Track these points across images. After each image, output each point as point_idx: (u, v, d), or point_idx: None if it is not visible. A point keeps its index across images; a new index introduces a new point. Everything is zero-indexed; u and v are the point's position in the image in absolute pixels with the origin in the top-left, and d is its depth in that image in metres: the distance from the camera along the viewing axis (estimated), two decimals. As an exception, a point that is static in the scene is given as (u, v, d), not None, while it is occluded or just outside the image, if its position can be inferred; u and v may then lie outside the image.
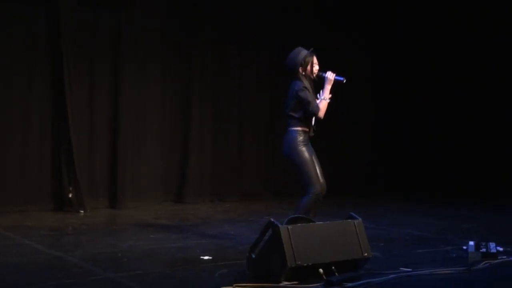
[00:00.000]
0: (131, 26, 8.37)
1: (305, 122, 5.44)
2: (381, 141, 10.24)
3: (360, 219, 4.68)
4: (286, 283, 4.26)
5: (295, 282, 4.26)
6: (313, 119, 5.47)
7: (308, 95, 5.37)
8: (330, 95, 5.43)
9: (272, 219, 4.43)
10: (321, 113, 5.39)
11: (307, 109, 5.36)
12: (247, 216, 7.66)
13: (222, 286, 4.18)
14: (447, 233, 6.38)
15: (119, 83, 8.32)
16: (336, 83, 5.43)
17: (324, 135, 9.58)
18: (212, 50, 9.03)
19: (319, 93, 5.48)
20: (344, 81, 5.41)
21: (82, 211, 7.84)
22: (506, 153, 9.32)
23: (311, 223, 4.61)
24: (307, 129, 5.46)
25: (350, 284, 4.23)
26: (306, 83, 5.41)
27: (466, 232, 6.43)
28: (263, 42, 9.32)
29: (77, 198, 7.91)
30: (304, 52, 5.44)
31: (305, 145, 5.42)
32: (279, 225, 4.33)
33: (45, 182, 7.98)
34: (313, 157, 5.49)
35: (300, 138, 5.41)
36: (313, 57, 5.46)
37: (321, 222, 4.69)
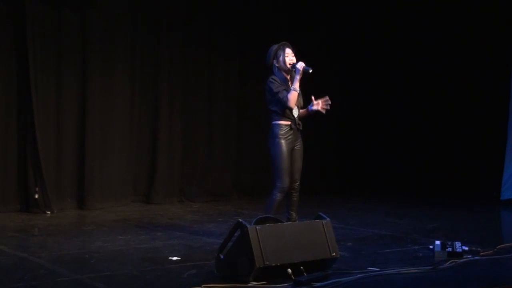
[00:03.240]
0: (98, 26, 8.30)
1: (285, 115, 5.62)
2: (349, 141, 10.32)
3: (328, 219, 4.70)
4: (255, 283, 4.26)
5: (263, 282, 4.27)
6: (295, 112, 5.63)
7: (275, 85, 5.58)
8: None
9: (240, 220, 4.43)
10: (290, 103, 5.54)
11: (277, 98, 5.55)
12: (216, 217, 7.65)
13: (191, 287, 4.17)
14: (414, 233, 6.45)
15: (87, 84, 8.24)
16: (305, 74, 5.59)
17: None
18: (181, 51, 9.00)
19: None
20: (311, 71, 5.56)
21: (48, 212, 7.75)
22: (472, 153, 9.46)
23: (279, 223, 4.62)
24: (288, 122, 5.60)
25: (318, 284, 4.25)
26: (279, 75, 5.63)
27: (432, 231, 6.51)
28: (232, 44, 9.32)
29: (44, 199, 7.81)
30: (276, 46, 5.70)
31: (284, 138, 5.58)
32: (248, 226, 4.33)
33: (10, 183, 7.86)
34: (294, 153, 5.63)
35: (280, 131, 5.59)
36: (285, 49, 5.67)
37: (289, 222, 4.71)
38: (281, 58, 5.65)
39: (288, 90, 5.58)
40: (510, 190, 8.96)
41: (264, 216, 4.71)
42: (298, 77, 5.56)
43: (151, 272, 4.74)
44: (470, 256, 5.15)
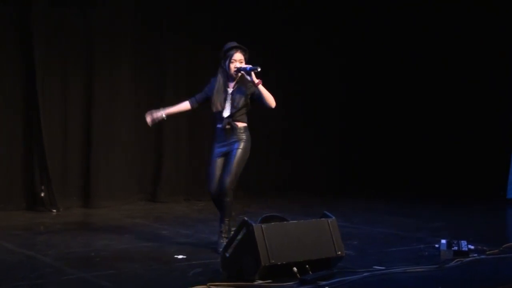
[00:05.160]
0: (103, 25, 8.31)
1: (218, 117, 5.41)
2: (353, 140, 10.29)
3: (334, 217, 4.70)
4: (260, 281, 4.26)
5: (269, 281, 4.27)
6: (226, 112, 5.36)
7: (207, 85, 5.49)
8: (259, 82, 5.26)
9: (246, 218, 4.43)
10: (215, 108, 5.34)
11: None
12: (222, 215, 7.63)
13: (196, 285, 4.17)
14: (420, 232, 6.43)
15: (92, 83, 8.26)
16: (253, 72, 5.27)
17: (296, 133, 9.78)
18: (186, 49, 9.00)
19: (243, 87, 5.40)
20: (259, 69, 5.27)
21: (54, 210, 7.77)
22: (478, 152, 9.43)
23: (285, 222, 4.62)
24: (219, 125, 5.39)
25: (324, 283, 4.24)
26: (222, 76, 5.41)
27: (438, 230, 6.49)
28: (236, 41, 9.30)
29: (50, 197, 7.84)
30: (229, 45, 5.43)
31: (216, 142, 5.41)
32: (253, 224, 4.34)
33: (17, 181, 7.89)
34: (227, 156, 5.36)
35: (215, 135, 5.44)
36: (234, 54, 5.37)
37: (295, 221, 4.70)
38: (226, 62, 5.40)
39: (221, 95, 5.36)
40: (517, 189, 8.94)
41: (269, 214, 4.70)
42: (250, 78, 5.25)
43: (156, 270, 4.74)
44: (476, 255, 5.14)
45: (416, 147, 10.12)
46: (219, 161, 5.40)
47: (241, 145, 5.37)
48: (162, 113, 5.49)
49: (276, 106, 5.39)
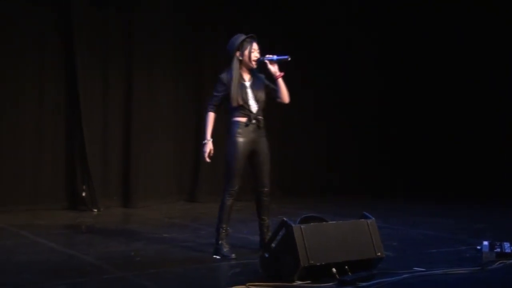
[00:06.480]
0: (143, 26, 8.40)
1: (242, 111, 5.17)
2: (390, 141, 10.18)
3: (373, 218, 4.66)
4: (299, 282, 4.25)
5: (308, 282, 4.26)
6: (254, 107, 5.20)
7: (218, 87, 5.20)
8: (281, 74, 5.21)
9: (285, 219, 4.42)
10: (236, 103, 5.11)
11: (209, 99, 5.25)
12: (260, 215, 7.63)
13: (235, 285, 4.18)
14: (461, 233, 6.34)
15: (132, 82, 8.36)
16: (282, 62, 5.21)
17: (333, 135, 9.73)
18: (224, 51, 9.00)
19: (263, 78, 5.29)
20: (289, 59, 5.16)
21: (95, 210, 7.88)
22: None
23: (324, 223, 4.60)
24: (244, 119, 5.17)
25: (363, 284, 4.21)
26: (236, 69, 5.20)
27: (480, 232, 6.38)
28: (275, 40, 9.29)
29: (91, 197, 7.95)
30: (243, 37, 5.25)
31: (241, 137, 5.14)
32: (292, 225, 4.33)
33: (58, 181, 8.03)
34: (257, 156, 5.24)
35: (237, 129, 5.14)
36: (253, 43, 5.23)
37: (334, 222, 4.68)
38: (246, 52, 5.19)
39: (240, 89, 5.14)
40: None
41: (308, 215, 4.69)
42: (272, 68, 5.18)
43: (196, 270, 4.77)
44: (519, 257, 5.04)
45: (458, 147, 9.95)
46: (244, 158, 5.20)
47: (267, 142, 5.31)
48: (209, 142, 5.22)
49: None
